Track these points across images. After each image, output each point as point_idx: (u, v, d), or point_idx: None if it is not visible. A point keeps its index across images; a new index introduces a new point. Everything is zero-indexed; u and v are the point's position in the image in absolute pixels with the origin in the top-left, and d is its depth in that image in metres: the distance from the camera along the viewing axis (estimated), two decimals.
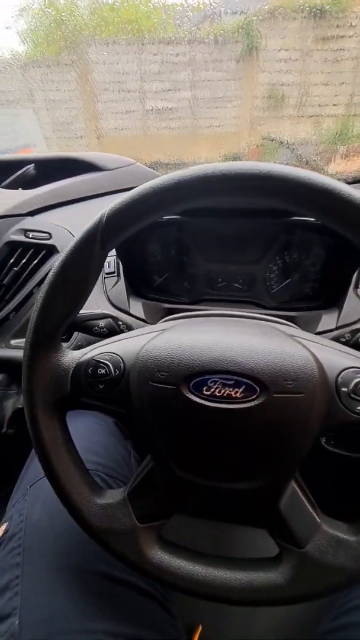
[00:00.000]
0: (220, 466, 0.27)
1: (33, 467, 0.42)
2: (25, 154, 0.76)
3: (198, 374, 0.25)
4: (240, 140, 1.21)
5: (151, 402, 0.27)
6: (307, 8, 1.22)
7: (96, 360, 0.29)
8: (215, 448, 0.26)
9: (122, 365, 0.29)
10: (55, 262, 0.28)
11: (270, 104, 1.24)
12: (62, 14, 1.08)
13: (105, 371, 0.28)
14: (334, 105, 1.22)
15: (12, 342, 0.52)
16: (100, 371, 0.28)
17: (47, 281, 0.27)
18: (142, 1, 1.24)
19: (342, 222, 0.24)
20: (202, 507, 0.28)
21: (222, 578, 0.26)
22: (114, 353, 0.29)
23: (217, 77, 1.21)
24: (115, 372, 0.28)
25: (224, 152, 1.14)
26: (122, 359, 0.29)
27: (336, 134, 1.12)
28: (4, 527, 0.35)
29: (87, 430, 0.44)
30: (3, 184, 0.70)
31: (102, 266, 0.29)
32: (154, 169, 0.88)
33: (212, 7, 1.26)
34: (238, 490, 0.26)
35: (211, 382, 0.25)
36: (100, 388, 0.28)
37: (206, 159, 1.12)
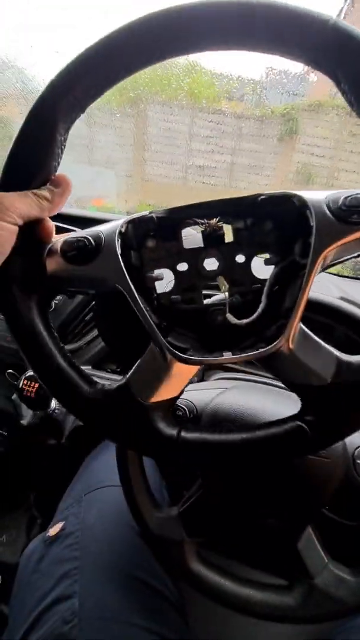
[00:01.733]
0: (260, 502, 0.32)
1: (85, 478, 0.47)
2: (93, 213, 0.81)
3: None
4: None
5: None
6: (344, 106, 1.38)
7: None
8: (258, 489, 0.32)
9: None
10: None
11: (300, 179, 1.37)
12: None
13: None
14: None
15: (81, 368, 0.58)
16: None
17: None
18: (202, 75, 1.41)
19: None
20: (238, 537, 0.34)
21: (245, 593, 0.31)
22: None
23: (256, 148, 1.35)
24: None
25: None
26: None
27: None
28: (60, 524, 0.41)
29: None
30: None
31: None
32: None
33: (260, 85, 1.41)
34: (269, 525, 0.32)
35: None
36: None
37: None
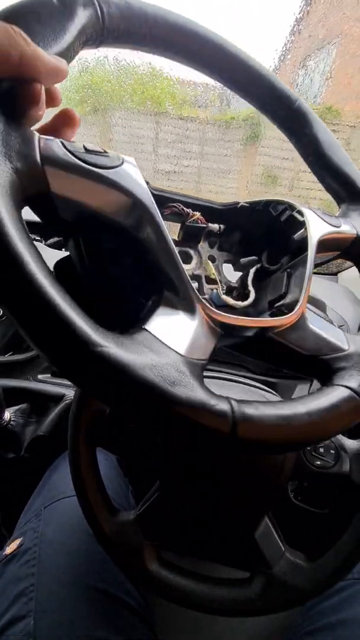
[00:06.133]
0: (216, 495, 0.33)
1: (46, 490, 0.46)
2: None
3: None
4: None
5: (176, 442, 0.33)
6: None
7: None
8: (214, 482, 0.33)
9: None
10: None
11: (265, 181, 1.40)
12: (96, 82, 1.24)
13: None
14: (319, 190, 1.38)
15: (40, 376, 0.59)
16: None
17: None
18: (166, 81, 1.43)
19: None
20: (197, 532, 0.34)
21: (206, 592, 0.32)
22: None
23: (222, 152, 1.37)
24: None
25: None
26: None
27: None
28: (18, 541, 0.39)
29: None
30: (47, 242, 0.76)
31: None
32: None
33: (225, 91, 1.45)
34: (226, 518, 0.33)
35: None
36: (132, 427, 0.34)
37: None
